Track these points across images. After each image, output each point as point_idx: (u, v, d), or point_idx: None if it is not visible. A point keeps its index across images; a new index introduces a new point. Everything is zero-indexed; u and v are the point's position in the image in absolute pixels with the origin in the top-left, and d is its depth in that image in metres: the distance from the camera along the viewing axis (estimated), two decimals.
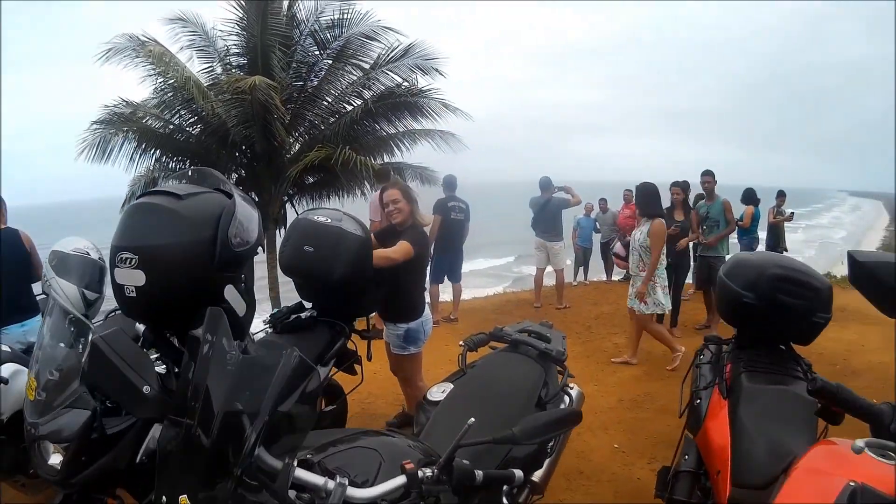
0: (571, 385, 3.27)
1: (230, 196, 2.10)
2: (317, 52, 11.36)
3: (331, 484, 1.48)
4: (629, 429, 5.13)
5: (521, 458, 2.46)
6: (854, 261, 2.69)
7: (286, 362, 1.53)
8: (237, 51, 11.11)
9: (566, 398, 3.16)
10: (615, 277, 13.43)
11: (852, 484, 1.63)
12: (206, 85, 10.62)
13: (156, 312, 2.06)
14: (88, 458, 2.51)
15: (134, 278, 1.91)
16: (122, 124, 10.41)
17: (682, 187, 8.49)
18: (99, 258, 3.33)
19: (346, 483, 1.49)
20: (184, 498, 1.38)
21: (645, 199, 6.84)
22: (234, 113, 10.19)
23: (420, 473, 1.61)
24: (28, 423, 2.64)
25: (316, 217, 4.00)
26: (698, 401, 3.06)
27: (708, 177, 8.49)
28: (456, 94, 11.13)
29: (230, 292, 2.04)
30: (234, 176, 11.59)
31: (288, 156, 11.17)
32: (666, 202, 8.36)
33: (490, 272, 28.13)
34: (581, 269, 13.54)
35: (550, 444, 2.96)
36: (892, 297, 2.49)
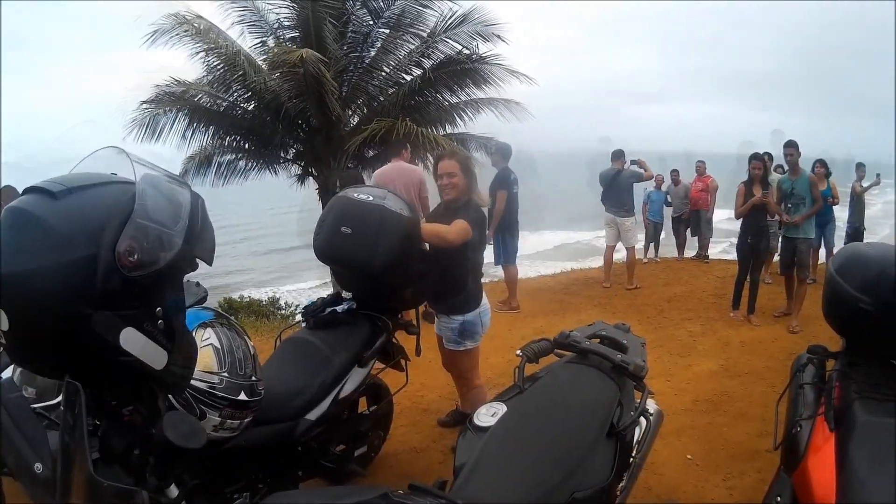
0: (650, 407, 2.59)
1: (127, 184, 1.51)
2: (370, 22, 10.99)
3: None
4: (704, 436, 4.58)
5: (588, 498, 1.99)
6: None
7: None
8: (288, 24, 10.81)
9: (644, 422, 2.62)
10: (688, 253, 12.77)
11: None
12: (258, 60, 10.47)
13: (36, 367, 1.54)
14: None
15: None
16: (173, 103, 10.32)
17: (761, 161, 7.73)
18: None
19: None
20: None
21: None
22: (288, 86, 9.94)
23: None
24: None
25: (356, 195, 3.62)
26: (798, 429, 2.54)
27: (791, 149, 7.65)
28: (516, 60, 10.62)
29: (131, 338, 1.43)
30: (292, 151, 11.39)
31: (346, 129, 10.86)
32: (744, 175, 7.70)
33: (559, 249, 27.15)
34: (651, 245, 12.82)
35: (625, 474, 2.46)
36: None
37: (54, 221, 1.38)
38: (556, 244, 25.97)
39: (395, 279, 3.63)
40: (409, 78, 10.98)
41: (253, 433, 2.59)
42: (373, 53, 11.04)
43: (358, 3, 10.83)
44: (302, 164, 11.32)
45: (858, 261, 2.72)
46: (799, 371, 2.84)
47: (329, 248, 3.58)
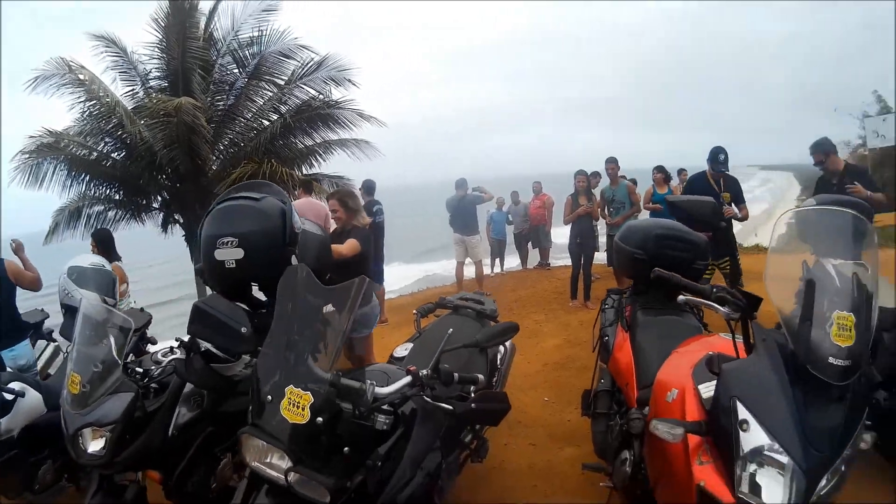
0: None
1: (281, 198, 3.12)
2: (236, 71, 11.76)
3: (366, 385, 2.16)
4: (556, 386, 5.90)
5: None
6: (673, 204, 4.57)
7: (357, 288, 2.29)
8: (158, 74, 11.36)
9: (502, 349, 3.95)
10: (530, 265, 14.28)
11: (710, 353, 2.39)
12: (130, 108, 10.81)
13: (250, 275, 2.99)
14: (131, 436, 2.95)
15: (235, 254, 2.88)
16: (48, 152, 10.58)
17: (584, 175, 9.49)
18: (111, 270, 4.09)
19: (375, 384, 2.19)
20: (290, 387, 2.08)
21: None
22: (161, 135, 10.36)
23: (420, 373, 2.33)
24: (71, 414, 2.98)
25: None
26: (606, 337, 3.87)
27: (611, 164, 9.46)
28: (365, 102, 11.84)
29: (294, 260, 2.98)
30: (160, 198, 11.81)
31: (210, 174, 11.40)
32: (571, 189, 9.33)
33: (420, 282, 27.83)
34: (497, 260, 14.30)
35: (494, 379, 3.72)
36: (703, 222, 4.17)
37: (266, 210, 2.97)
38: (418, 277, 26.60)
39: None
40: (267, 123, 11.76)
41: None
42: (235, 101, 11.76)
43: (222, 52, 11.53)
44: (165, 212, 11.73)
45: (634, 229, 4.18)
46: (604, 303, 4.19)
47: None
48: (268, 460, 2.12)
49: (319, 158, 12.23)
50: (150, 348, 3.59)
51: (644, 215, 9.54)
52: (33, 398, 3.70)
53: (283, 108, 11.79)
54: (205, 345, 3.06)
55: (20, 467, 3.63)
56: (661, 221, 4.27)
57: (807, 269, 2.12)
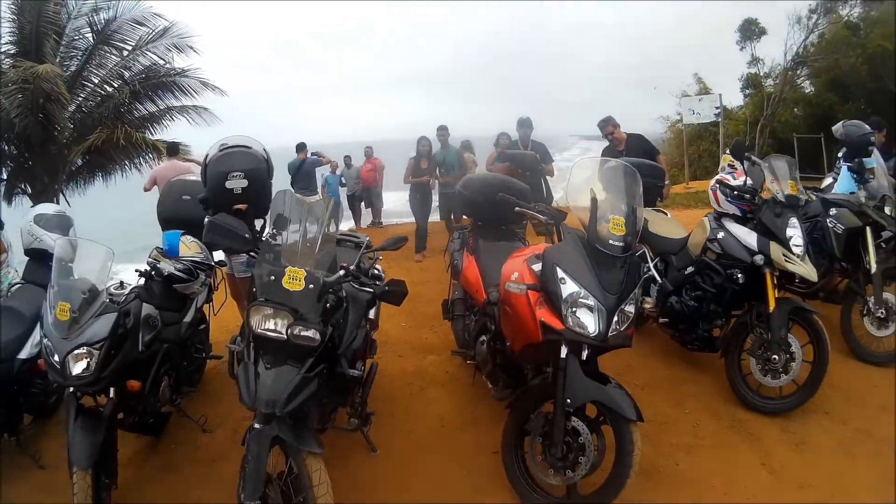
0: (378, 266, 5.06)
1: (259, 148, 3.98)
2: (88, 36, 11.75)
3: (319, 274, 3.13)
4: (409, 314, 6.97)
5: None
6: (507, 155, 7.06)
7: (329, 205, 3.42)
8: (11, 38, 11.08)
9: (376, 270, 4.98)
10: (363, 224, 15.24)
11: (538, 252, 3.56)
12: None
13: (250, 199, 3.76)
14: (116, 352, 3.59)
15: (241, 184, 3.70)
16: None
17: (427, 140, 10.81)
18: (70, 216, 4.73)
19: (324, 275, 3.17)
20: (289, 267, 3.04)
21: None
22: (16, 104, 10.11)
23: (350, 268, 3.37)
24: (59, 340, 3.48)
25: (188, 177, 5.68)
26: (456, 261, 5.05)
27: (442, 131, 10.91)
28: (209, 71, 12.18)
29: (273, 189, 3.84)
30: (6, 170, 11.49)
31: (59, 142, 11.26)
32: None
33: None
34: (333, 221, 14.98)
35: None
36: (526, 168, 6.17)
37: (256, 155, 3.78)
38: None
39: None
40: (110, 90, 11.89)
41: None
42: (83, 66, 11.72)
43: (73, 16, 11.45)
44: (12, 183, 11.43)
45: (473, 179, 5.43)
46: (452, 235, 5.35)
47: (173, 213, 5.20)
48: (268, 326, 3.01)
49: (164, 124, 12.57)
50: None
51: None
52: None
53: (128, 74, 11.91)
54: (167, 269, 3.92)
55: None
56: (494, 175, 5.56)
57: (593, 192, 3.38)
